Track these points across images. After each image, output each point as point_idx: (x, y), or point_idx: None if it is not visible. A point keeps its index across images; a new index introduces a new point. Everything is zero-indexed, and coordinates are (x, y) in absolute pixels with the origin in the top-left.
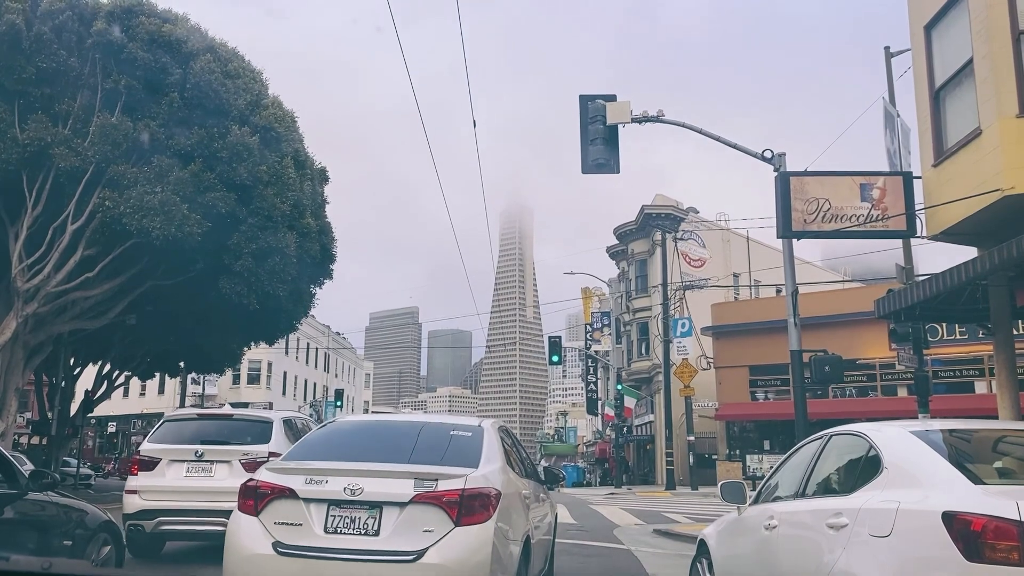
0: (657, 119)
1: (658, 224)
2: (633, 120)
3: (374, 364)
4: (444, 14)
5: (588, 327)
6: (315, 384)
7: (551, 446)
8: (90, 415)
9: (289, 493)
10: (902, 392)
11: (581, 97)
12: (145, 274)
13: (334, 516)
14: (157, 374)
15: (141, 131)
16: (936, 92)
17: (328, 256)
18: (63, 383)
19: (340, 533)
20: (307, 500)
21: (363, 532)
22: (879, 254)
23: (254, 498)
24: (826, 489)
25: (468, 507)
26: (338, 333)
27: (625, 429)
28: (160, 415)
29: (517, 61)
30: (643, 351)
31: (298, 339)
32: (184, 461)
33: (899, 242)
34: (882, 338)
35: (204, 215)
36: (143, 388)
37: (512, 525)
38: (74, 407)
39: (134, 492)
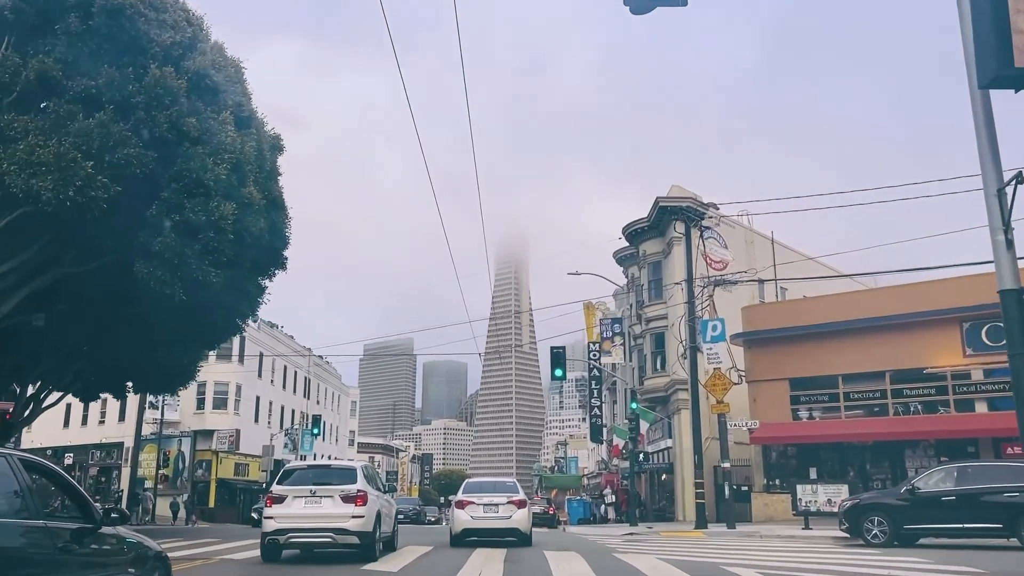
0: None
1: (677, 216)
2: None
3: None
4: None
5: (592, 345)
6: (292, 411)
7: (552, 478)
8: (13, 441)
9: (472, 503)
10: (980, 407)
11: None
12: (49, 260)
13: (486, 508)
14: (109, 397)
15: (32, 69)
16: None
17: (280, 238)
18: None
19: (487, 514)
20: (477, 504)
21: (494, 514)
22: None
23: (461, 505)
24: None
25: (520, 505)
26: (320, 356)
27: (641, 456)
28: (120, 444)
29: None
30: (659, 366)
31: (273, 361)
32: (302, 497)
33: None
34: (954, 342)
35: (113, 176)
36: (102, 416)
37: (530, 510)
38: None
39: (271, 518)
